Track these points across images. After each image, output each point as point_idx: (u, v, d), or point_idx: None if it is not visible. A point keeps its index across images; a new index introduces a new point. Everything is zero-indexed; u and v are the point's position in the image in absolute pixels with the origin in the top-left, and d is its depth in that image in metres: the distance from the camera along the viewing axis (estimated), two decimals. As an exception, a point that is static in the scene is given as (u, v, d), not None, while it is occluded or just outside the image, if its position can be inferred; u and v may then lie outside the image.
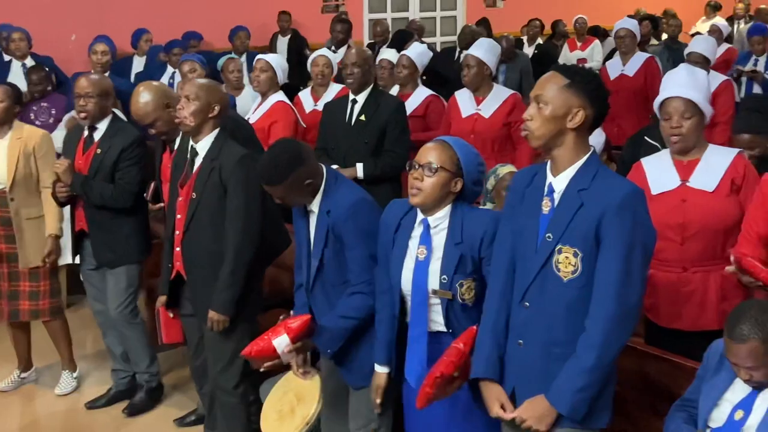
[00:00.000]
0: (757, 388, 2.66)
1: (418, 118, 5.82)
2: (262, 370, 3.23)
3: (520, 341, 2.71)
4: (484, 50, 5.44)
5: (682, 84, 3.40)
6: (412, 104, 5.85)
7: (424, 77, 6.45)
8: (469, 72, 5.40)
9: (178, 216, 3.81)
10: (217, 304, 3.70)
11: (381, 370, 3.12)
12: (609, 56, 9.62)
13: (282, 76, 5.52)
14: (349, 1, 10.99)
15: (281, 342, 3.05)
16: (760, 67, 7.54)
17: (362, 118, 4.97)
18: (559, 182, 2.66)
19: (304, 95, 6.24)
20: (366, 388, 3.22)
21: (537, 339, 2.68)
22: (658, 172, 3.51)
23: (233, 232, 3.66)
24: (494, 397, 2.72)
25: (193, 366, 4.17)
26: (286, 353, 3.08)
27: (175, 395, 4.89)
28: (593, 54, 9.98)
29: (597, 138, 4.64)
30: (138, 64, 8.55)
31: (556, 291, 2.63)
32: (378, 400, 3.12)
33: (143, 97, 4.16)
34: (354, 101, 5.03)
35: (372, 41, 9.37)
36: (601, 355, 2.56)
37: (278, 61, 5.57)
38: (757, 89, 7.35)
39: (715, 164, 3.42)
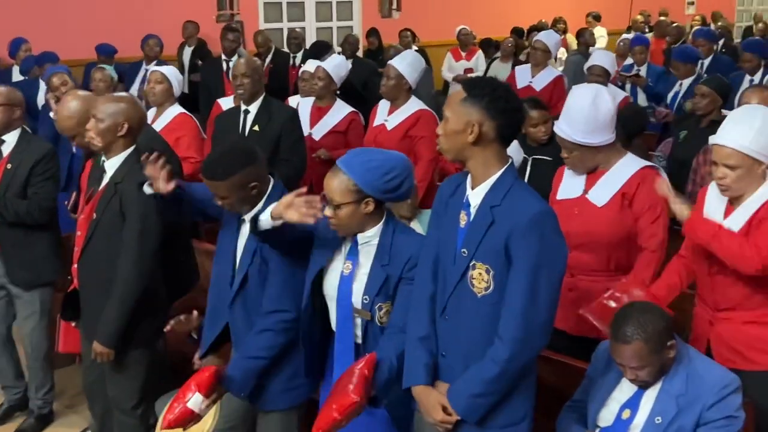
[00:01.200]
0: (643, 387, 2.77)
1: (340, 134, 5.73)
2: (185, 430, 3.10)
3: (443, 353, 2.72)
4: (406, 64, 5.36)
5: (561, 120, 3.44)
6: (332, 118, 5.74)
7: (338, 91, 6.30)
8: (387, 83, 5.36)
9: (78, 233, 3.68)
10: (101, 335, 3.55)
11: None
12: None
13: (177, 88, 5.42)
14: (244, 10, 10.91)
15: (196, 402, 2.94)
16: (643, 76, 7.85)
17: (256, 128, 4.93)
18: (474, 196, 2.64)
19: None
20: (277, 412, 3.19)
21: (457, 352, 2.68)
22: (571, 179, 3.59)
23: (124, 264, 3.51)
24: (436, 402, 2.68)
25: (85, 383, 4.03)
26: (204, 409, 2.98)
27: (67, 414, 4.75)
28: (478, 64, 10.18)
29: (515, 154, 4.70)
30: (17, 74, 8.22)
31: (471, 306, 2.63)
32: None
33: (69, 109, 4.00)
34: (246, 111, 5.00)
35: (257, 51, 9.32)
36: (503, 371, 2.57)
37: (173, 72, 5.46)
38: (641, 95, 7.66)
39: (614, 179, 3.46)
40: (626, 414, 2.78)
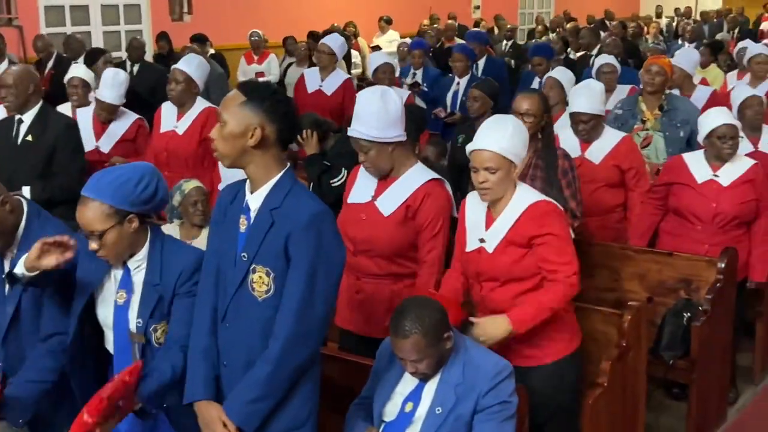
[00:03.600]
0: (424, 379, 2.84)
1: (128, 142, 5.60)
2: None
3: (225, 362, 2.69)
4: (194, 67, 5.29)
5: (355, 122, 3.46)
6: (119, 128, 5.59)
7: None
8: (176, 87, 5.24)
9: None
10: None
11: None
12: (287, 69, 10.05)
13: None
14: (23, 14, 10.33)
15: None
16: (419, 79, 8.14)
17: (29, 138, 4.70)
18: (254, 200, 2.64)
19: None
20: None
21: (239, 360, 2.66)
22: (363, 183, 3.61)
23: None
24: (216, 416, 2.63)
25: None
26: None
27: None
28: (270, 68, 10.18)
29: None
30: None
31: (252, 310, 2.62)
32: None
33: None
34: (20, 121, 4.75)
35: (38, 57, 8.86)
36: (276, 369, 2.57)
37: None
38: (419, 101, 7.89)
39: (402, 189, 3.52)
40: (409, 407, 2.85)
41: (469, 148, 3.16)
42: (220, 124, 2.60)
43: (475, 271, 3.25)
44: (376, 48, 11.75)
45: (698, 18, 16.94)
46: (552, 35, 12.57)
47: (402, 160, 3.52)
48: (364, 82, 9.65)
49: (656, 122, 5.41)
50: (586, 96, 4.58)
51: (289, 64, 10.30)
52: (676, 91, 6.01)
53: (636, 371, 3.68)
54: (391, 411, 2.88)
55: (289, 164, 2.69)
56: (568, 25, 13.78)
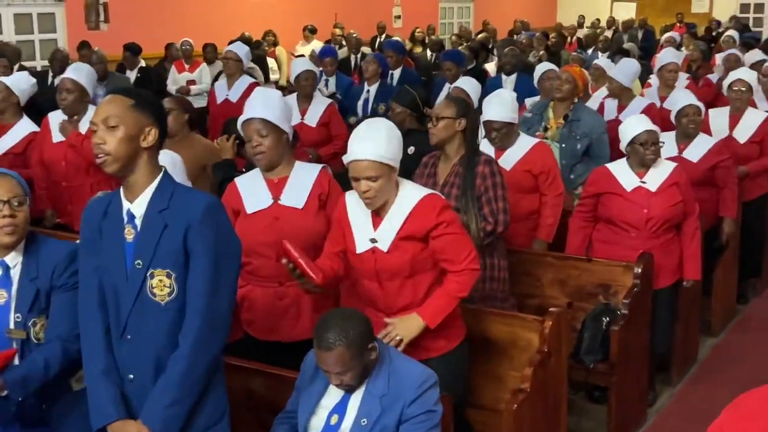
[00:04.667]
0: (349, 391, 2.83)
1: (18, 155, 5.45)
2: None
3: (131, 376, 2.65)
4: (84, 75, 5.22)
5: (256, 106, 3.53)
6: (11, 138, 5.47)
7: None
8: (67, 97, 5.14)
9: None
10: None
11: None
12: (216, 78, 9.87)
13: None
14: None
15: None
16: (331, 87, 8.23)
17: None
18: (137, 207, 2.62)
19: None
20: None
21: (147, 370, 2.63)
22: (252, 191, 3.61)
23: None
24: None
25: None
26: None
27: None
28: (201, 76, 10.09)
29: None
30: None
31: (155, 317, 2.60)
32: None
33: None
34: None
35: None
36: (190, 365, 2.57)
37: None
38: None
39: (302, 181, 3.59)
40: (334, 419, 2.83)
41: (346, 159, 3.16)
42: (111, 128, 2.55)
43: (372, 271, 3.24)
44: (300, 57, 11.72)
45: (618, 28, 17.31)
46: (461, 46, 12.67)
47: (288, 158, 3.62)
48: (285, 90, 9.61)
49: (556, 132, 5.51)
50: (497, 104, 4.64)
51: (220, 72, 10.19)
52: (613, 102, 6.14)
53: (557, 376, 3.73)
54: (316, 425, 2.86)
55: (164, 168, 2.69)
56: (479, 36, 13.95)
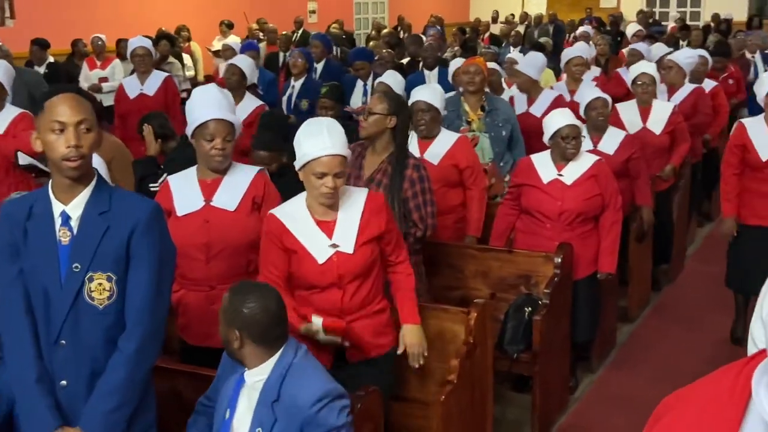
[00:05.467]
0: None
1: None
2: None
3: (64, 382, 2.58)
4: (1, 72, 5.07)
5: (224, 107, 3.49)
6: None
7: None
8: None
9: None
10: None
11: None
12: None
13: None
14: None
15: None
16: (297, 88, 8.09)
17: None
18: (73, 209, 2.55)
19: None
20: None
21: (81, 375, 2.58)
22: (184, 192, 3.55)
23: None
24: None
25: None
26: None
27: None
28: (114, 72, 9.88)
29: None
30: None
31: (93, 321, 2.55)
32: None
33: None
34: None
35: None
36: (132, 371, 2.54)
37: None
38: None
39: (236, 183, 3.54)
40: (227, 414, 2.78)
41: (309, 156, 3.10)
42: (86, 131, 2.49)
43: (335, 276, 3.21)
44: (216, 53, 11.59)
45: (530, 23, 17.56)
46: (372, 43, 12.71)
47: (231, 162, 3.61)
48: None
49: (480, 123, 5.60)
50: (427, 89, 4.76)
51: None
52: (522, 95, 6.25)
53: (484, 367, 3.79)
54: (217, 418, 2.82)
55: (97, 171, 2.64)
56: (384, 32, 14.02)
